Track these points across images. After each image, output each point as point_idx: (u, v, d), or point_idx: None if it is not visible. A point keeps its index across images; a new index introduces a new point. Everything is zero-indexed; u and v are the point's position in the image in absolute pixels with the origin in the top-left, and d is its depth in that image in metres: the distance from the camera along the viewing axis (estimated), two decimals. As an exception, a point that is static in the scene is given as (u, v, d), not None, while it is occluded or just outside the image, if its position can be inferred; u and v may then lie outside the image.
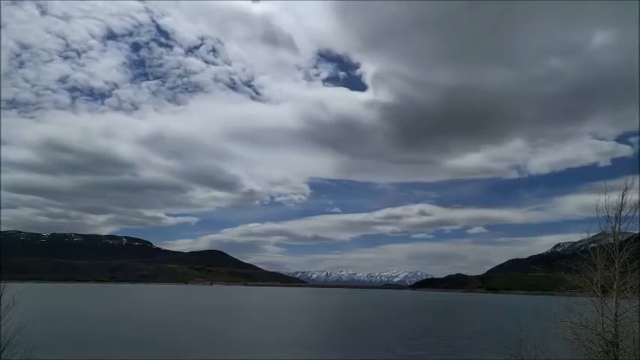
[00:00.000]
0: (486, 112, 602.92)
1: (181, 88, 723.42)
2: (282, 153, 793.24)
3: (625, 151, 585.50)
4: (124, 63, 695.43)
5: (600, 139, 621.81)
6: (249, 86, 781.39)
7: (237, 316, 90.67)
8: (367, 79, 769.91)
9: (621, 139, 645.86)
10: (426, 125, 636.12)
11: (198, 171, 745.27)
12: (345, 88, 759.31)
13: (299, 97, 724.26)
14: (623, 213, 14.68)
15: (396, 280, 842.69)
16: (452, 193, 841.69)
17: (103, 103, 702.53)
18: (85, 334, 53.01)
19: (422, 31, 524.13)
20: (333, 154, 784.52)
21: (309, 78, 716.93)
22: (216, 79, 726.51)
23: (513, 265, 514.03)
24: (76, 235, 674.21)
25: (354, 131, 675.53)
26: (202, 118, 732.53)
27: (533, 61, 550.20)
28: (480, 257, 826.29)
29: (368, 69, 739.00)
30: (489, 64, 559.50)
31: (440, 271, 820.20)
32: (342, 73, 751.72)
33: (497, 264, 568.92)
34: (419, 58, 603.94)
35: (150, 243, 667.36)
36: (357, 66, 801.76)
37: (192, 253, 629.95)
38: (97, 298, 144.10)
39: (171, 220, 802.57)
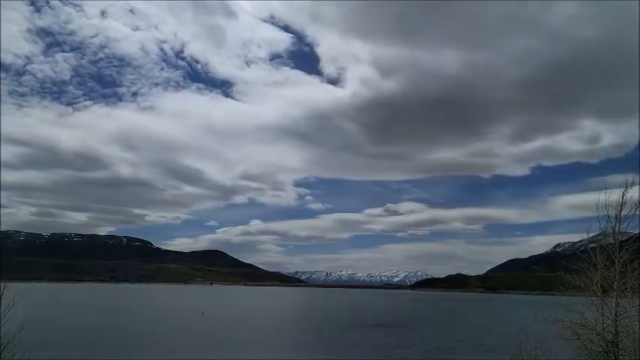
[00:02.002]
0: (460, 100, 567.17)
1: (106, 62, 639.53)
2: (245, 147, 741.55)
3: (616, 139, 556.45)
4: (29, 30, 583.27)
5: (588, 129, 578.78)
6: (182, 58, 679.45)
7: (238, 316, 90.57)
8: (322, 61, 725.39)
9: (610, 126, 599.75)
10: (398, 116, 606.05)
11: (164, 166, 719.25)
12: (290, 67, 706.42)
13: (245, 81, 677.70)
14: (624, 212, 14.58)
15: (396, 279, 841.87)
16: (442, 190, 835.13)
17: (20, 83, 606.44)
18: (86, 334, 53.00)
19: (373, 6, 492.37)
20: (305, 148, 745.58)
21: (248, 49, 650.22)
22: (144, 50, 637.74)
23: (513, 265, 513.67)
24: (76, 235, 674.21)
25: (318, 120, 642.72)
26: (143, 104, 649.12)
27: (497, 42, 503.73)
28: (479, 257, 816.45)
29: (320, 47, 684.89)
30: (450, 45, 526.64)
31: (440, 271, 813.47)
32: (289, 48, 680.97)
33: (497, 264, 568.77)
34: (373, 36, 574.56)
35: (150, 243, 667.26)
36: (308, 42, 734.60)
37: (193, 253, 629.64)
38: (97, 299, 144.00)
39: (154, 218, 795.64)
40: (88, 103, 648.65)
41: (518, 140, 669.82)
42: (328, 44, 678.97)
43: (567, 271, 15.37)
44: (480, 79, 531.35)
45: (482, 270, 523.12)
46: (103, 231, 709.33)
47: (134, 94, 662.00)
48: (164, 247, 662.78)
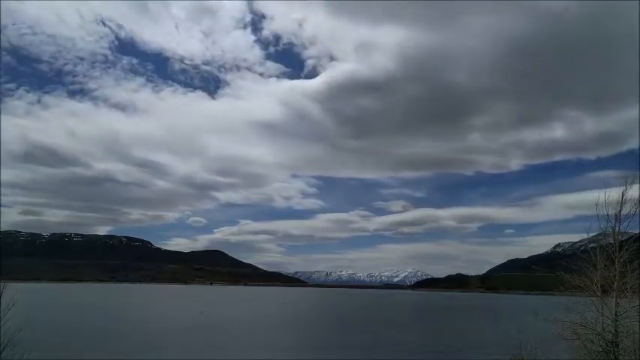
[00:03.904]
0: (436, 89, 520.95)
1: (13, 30, 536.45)
2: (209, 139, 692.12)
3: (604, 127, 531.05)
4: None
5: (580, 120, 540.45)
6: (103, 23, 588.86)
7: (238, 316, 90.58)
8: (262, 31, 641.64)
9: (598, 115, 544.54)
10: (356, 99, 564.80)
11: (131, 162, 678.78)
12: (226, 33, 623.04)
13: (181, 55, 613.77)
14: (624, 212, 14.52)
15: (396, 279, 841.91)
16: (425, 188, 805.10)
17: None
18: (86, 334, 52.99)
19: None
20: (273, 140, 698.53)
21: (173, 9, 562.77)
22: (55, 12, 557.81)
23: (513, 265, 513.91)
24: (76, 235, 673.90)
25: (295, 112, 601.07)
26: (73, 87, 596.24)
27: (452, 18, 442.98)
28: (478, 257, 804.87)
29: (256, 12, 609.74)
30: (411, 23, 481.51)
31: (440, 271, 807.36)
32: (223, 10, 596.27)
33: (496, 264, 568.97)
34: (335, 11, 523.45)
35: (150, 243, 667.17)
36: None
37: (192, 252, 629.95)
38: (97, 299, 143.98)
39: (137, 217, 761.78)
40: (11, 85, 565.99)
41: (501, 134, 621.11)
42: (265, 7, 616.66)
43: (567, 271, 15.34)
44: (452, 64, 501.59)
45: (482, 270, 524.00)
46: (103, 231, 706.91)
47: (59, 73, 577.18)
48: (164, 247, 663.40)
